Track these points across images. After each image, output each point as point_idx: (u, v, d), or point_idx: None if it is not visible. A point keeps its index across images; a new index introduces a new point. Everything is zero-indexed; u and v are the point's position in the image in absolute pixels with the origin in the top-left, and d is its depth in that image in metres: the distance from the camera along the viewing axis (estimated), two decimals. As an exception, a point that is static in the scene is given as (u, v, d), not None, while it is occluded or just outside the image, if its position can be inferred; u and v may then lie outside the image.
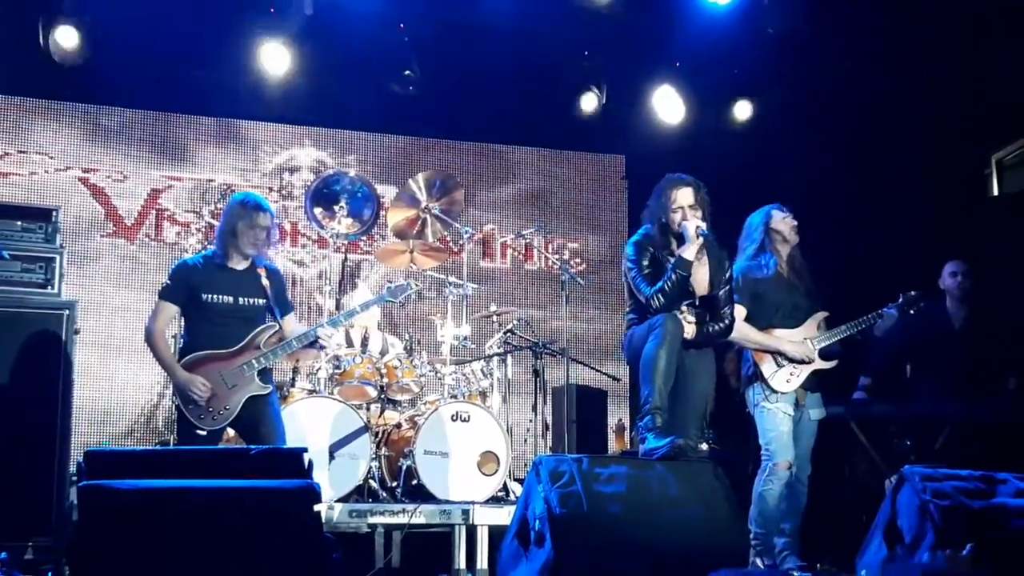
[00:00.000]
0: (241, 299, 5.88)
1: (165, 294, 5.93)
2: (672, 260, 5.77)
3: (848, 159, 9.34)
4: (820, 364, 6.30)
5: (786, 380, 6.21)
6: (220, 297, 5.84)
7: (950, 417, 6.95)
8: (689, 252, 5.74)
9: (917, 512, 4.58)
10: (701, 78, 9.69)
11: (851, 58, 9.04)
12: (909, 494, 4.69)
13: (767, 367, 6.24)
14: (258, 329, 5.88)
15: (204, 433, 5.71)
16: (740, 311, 6.18)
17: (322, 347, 6.18)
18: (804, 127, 9.57)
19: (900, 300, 6.54)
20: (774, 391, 6.19)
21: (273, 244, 6.09)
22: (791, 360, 6.23)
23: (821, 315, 6.42)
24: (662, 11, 8.95)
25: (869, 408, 7.13)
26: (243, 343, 5.83)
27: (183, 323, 6.09)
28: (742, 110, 9.94)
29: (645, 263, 5.83)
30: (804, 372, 6.25)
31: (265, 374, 5.88)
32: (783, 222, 6.42)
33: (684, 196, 5.85)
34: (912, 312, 6.57)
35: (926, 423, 7.05)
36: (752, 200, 6.70)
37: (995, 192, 9.30)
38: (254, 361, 5.81)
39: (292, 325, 6.06)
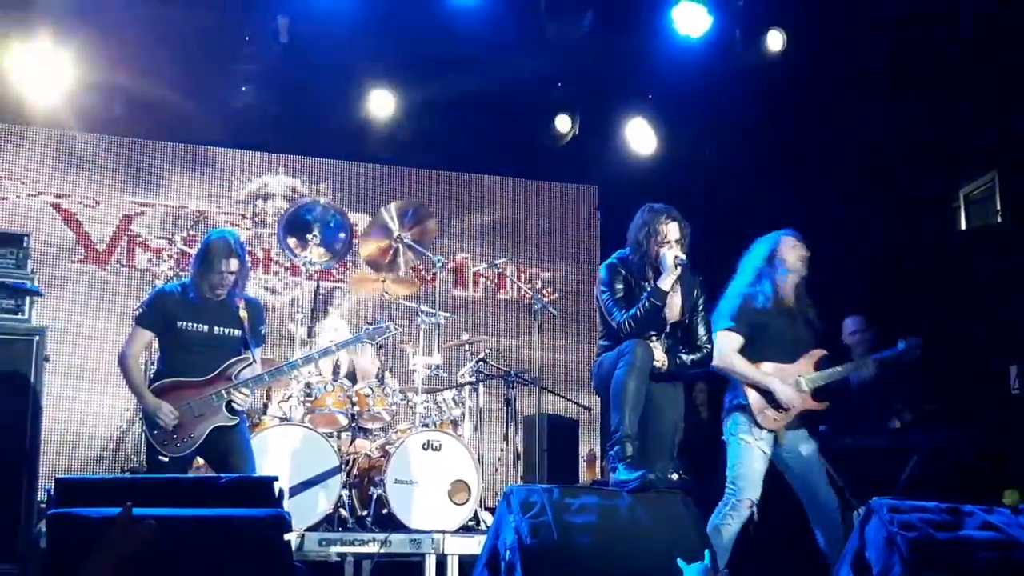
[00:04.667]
0: (216, 329, 5.87)
1: (141, 320, 5.93)
2: (648, 288, 5.75)
3: (817, 192, 9.43)
4: (810, 404, 6.06)
5: (774, 419, 5.98)
6: (195, 326, 5.83)
7: (917, 449, 7.00)
8: (666, 283, 5.71)
9: (884, 544, 4.61)
10: (673, 110, 9.77)
11: (821, 93, 9.14)
12: (877, 526, 4.72)
13: (756, 403, 5.99)
14: (231, 360, 5.86)
15: (166, 459, 5.68)
16: (735, 340, 6.01)
17: (289, 373, 6.22)
18: (773, 160, 9.65)
19: (900, 348, 6.24)
20: (759, 427, 5.97)
21: (244, 282, 6.05)
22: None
23: (818, 353, 6.18)
24: (635, 43, 9.03)
25: (837, 440, 7.18)
26: (215, 373, 5.82)
27: (157, 349, 6.06)
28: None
29: (618, 287, 5.81)
30: (793, 411, 6.01)
31: (233, 405, 5.86)
32: (792, 250, 6.17)
33: (672, 231, 5.81)
34: (903, 360, 6.29)
35: (894, 455, 7.10)
36: (723, 233, 6.73)
37: (963, 226, 9.40)
38: (224, 392, 5.79)
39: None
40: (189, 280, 5.98)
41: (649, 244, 5.81)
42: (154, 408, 5.68)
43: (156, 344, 6.07)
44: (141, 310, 5.97)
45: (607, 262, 5.97)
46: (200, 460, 6.15)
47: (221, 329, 5.88)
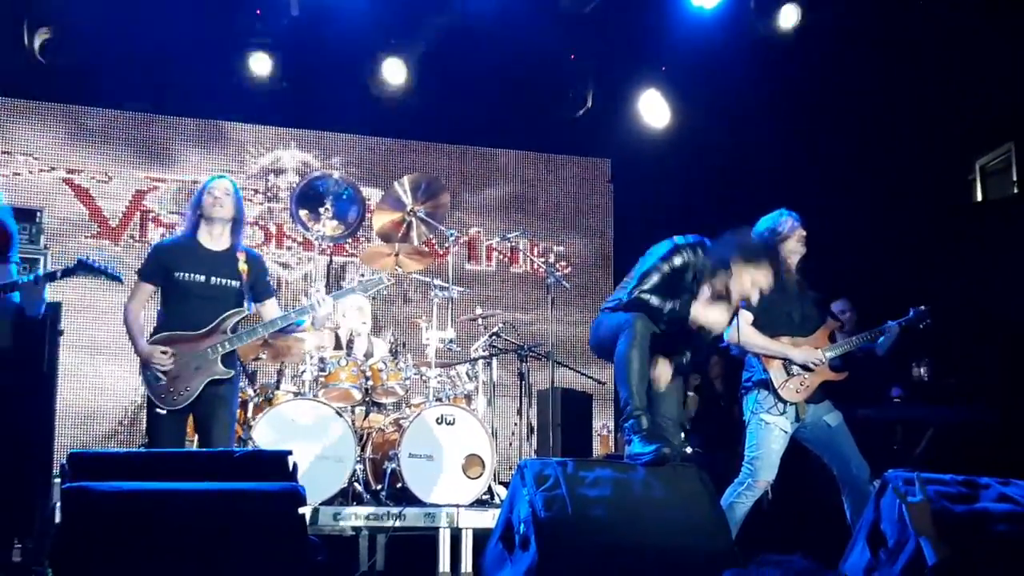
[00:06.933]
0: (213, 279, 5.86)
1: (141, 274, 5.97)
2: (690, 289, 5.54)
3: (832, 164, 9.38)
4: (829, 375, 6.05)
5: (796, 391, 5.97)
6: (192, 275, 5.83)
7: (933, 421, 6.97)
8: (706, 313, 5.54)
9: (899, 517, 4.58)
10: (687, 82, 9.71)
11: (837, 65, 9.07)
12: (892, 498, 4.69)
13: (777, 375, 5.99)
14: (226, 314, 5.85)
15: (163, 412, 5.70)
16: (747, 316, 5.92)
17: (292, 331, 6.19)
18: (788, 132, 9.59)
19: (911, 315, 6.30)
20: (782, 400, 5.96)
21: (239, 231, 6.07)
22: (801, 368, 5.99)
23: (833, 324, 6.22)
24: (648, 15, 8.98)
25: (852, 413, 7.15)
26: (211, 326, 5.82)
27: (160, 302, 6.05)
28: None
29: (666, 268, 5.55)
30: (814, 382, 6.01)
31: (229, 359, 5.87)
32: (791, 231, 6.13)
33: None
34: (921, 327, 6.34)
35: (910, 427, 7.08)
36: (734, 207, 6.69)
37: (979, 197, 9.35)
38: (219, 345, 5.79)
39: (271, 311, 6.06)
40: (186, 231, 6.03)
41: (775, 249, 5.86)
42: (147, 353, 5.72)
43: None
44: (143, 264, 6.00)
45: (679, 241, 5.65)
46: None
47: (218, 279, 5.88)
